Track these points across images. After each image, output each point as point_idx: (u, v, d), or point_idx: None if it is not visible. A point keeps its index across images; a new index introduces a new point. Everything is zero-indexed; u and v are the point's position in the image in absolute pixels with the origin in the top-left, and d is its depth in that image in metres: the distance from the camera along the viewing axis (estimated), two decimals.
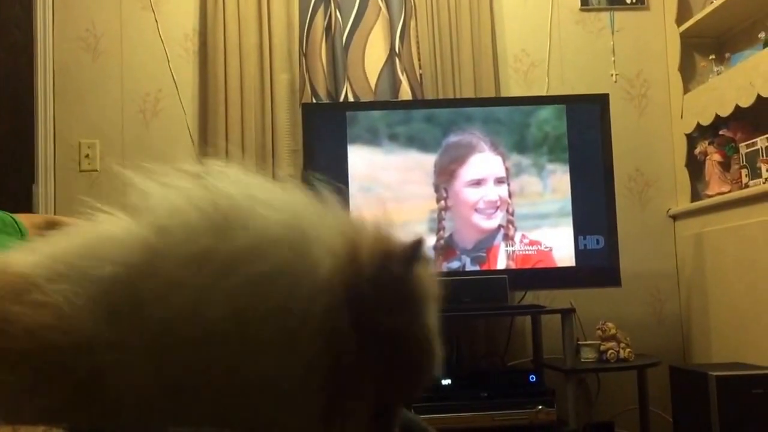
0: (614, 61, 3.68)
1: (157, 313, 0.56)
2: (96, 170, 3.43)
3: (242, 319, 0.56)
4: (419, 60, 3.55)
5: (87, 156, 3.44)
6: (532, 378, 3.05)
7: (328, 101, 3.47)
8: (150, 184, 0.61)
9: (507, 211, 3.23)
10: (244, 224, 0.58)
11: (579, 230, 3.21)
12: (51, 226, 1.57)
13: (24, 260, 0.60)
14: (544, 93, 3.63)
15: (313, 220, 0.62)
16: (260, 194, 0.62)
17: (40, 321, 0.55)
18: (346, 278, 0.60)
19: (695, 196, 3.56)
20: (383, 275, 0.61)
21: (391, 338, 0.61)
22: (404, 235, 0.65)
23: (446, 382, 2.96)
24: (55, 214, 3.29)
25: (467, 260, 3.19)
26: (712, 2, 3.34)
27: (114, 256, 0.57)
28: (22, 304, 0.56)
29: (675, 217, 3.64)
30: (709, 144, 3.43)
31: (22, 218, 1.50)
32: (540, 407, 2.90)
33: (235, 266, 0.56)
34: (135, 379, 0.56)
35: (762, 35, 3.07)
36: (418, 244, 0.65)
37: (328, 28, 3.52)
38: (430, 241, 3.18)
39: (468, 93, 3.48)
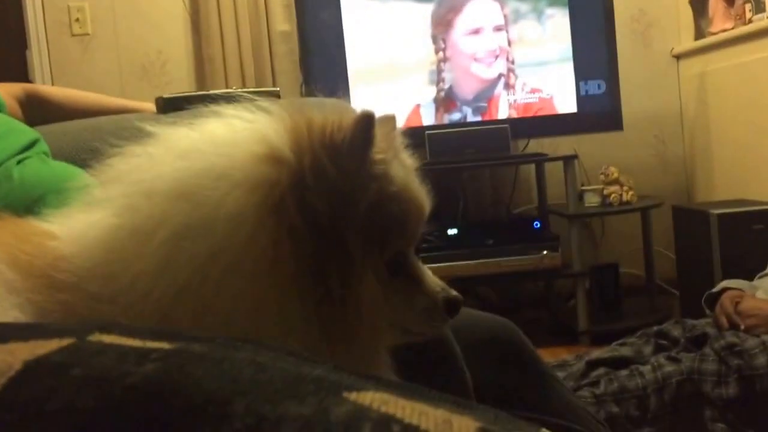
0: None
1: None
2: (88, 34, 3.36)
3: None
4: None
5: (77, 20, 3.35)
6: (537, 224, 3.09)
7: None
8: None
9: (507, 59, 3.17)
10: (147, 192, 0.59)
11: (580, 75, 3.17)
12: (29, 95, 1.56)
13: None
14: None
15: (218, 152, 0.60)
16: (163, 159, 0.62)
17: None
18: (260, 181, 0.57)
19: (699, 34, 3.48)
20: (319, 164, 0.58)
21: (347, 210, 0.60)
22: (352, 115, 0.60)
23: (453, 231, 3.01)
24: (52, 79, 3.25)
25: (468, 111, 3.17)
26: None
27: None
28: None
29: (678, 57, 3.58)
30: None
31: None
32: (545, 252, 2.96)
33: (152, 234, 0.57)
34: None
35: None
36: (365, 122, 0.59)
37: None
38: (430, 93, 3.15)
39: None
